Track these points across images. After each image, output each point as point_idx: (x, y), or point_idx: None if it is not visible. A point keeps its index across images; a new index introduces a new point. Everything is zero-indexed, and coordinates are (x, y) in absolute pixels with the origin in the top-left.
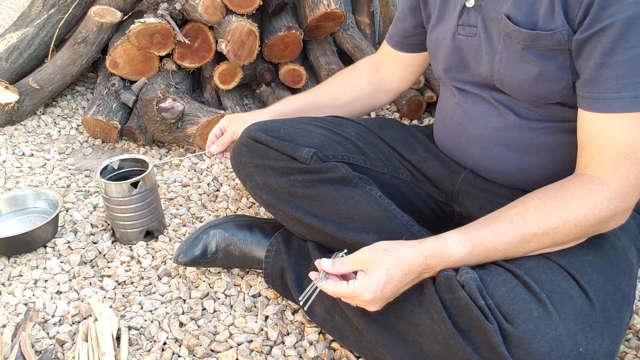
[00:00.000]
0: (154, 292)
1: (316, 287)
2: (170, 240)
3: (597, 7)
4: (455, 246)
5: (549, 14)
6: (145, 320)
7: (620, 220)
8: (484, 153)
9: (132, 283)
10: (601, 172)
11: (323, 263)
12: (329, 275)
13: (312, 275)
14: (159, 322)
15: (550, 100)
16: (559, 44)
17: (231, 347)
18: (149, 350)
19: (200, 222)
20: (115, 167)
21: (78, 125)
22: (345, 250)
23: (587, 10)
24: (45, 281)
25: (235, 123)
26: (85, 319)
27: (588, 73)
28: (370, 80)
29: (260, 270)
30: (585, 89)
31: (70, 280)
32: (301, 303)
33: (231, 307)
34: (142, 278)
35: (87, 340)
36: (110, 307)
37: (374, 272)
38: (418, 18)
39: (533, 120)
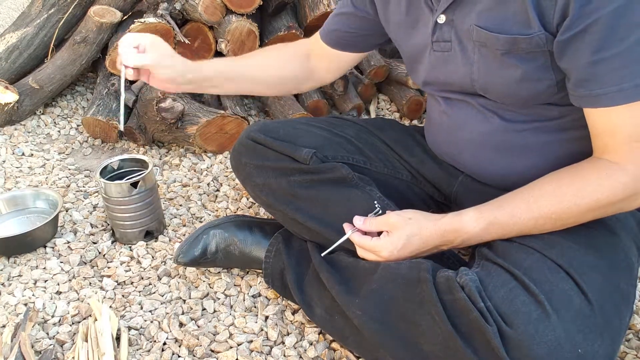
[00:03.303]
0: (154, 292)
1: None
2: (170, 240)
3: (576, 6)
4: (471, 223)
5: (523, 22)
6: (145, 321)
7: None
8: (475, 158)
9: (132, 283)
10: (618, 157)
11: (356, 220)
12: (357, 231)
13: (346, 226)
14: (159, 322)
15: (537, 101)
16: (538, 46)
17: (231, 347)
18: (149, 351)
19: (200, 222)
20: (115, 167)
21: (78, 125)
22: (379, 211)
23: (565, 11)
24: (45, 281)
25: (155, 51)
26: (85, 319)
27: (582, 72)
28: (302, 67)
29: (260, 270)
30: (581, 88)
31: (70, 280)
32: (323, 254)
33: (231, 307)
34: (142, 278)
35: (86, 341)
36: (110, 307)
37: (395, 235)
38: (362, 23)
39: (518, 122)
